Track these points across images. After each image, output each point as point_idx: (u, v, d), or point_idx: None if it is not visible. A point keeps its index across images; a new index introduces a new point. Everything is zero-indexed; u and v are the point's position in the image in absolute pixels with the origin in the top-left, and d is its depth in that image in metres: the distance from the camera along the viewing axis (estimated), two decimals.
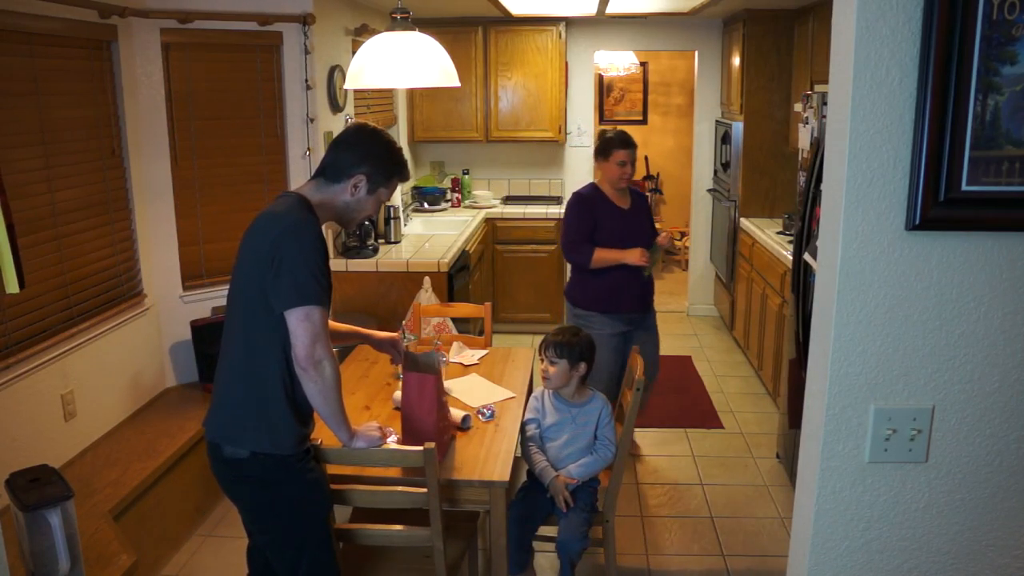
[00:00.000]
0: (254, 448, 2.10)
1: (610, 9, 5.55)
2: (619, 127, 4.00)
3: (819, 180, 3.42)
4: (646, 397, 3.92)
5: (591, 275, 3.72)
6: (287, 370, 2.10)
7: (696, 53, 6.43)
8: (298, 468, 2.14)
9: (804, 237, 3.53)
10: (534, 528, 2.80)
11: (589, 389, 2.87)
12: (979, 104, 1.23)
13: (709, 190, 6.44)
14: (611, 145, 3.70)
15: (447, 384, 3.01)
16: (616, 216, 3.75)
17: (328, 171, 2.20)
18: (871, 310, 1.31)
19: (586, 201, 3.78)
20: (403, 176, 2.27)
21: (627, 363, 3.69)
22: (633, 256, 3.66)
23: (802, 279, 3.61)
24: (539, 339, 2.87)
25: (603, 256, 3.67)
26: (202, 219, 3.93)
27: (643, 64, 8.93)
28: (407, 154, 6.11)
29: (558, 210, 6.05)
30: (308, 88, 4.05)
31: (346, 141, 2.21)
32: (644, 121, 9.13)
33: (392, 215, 4.95)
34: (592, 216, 3.73)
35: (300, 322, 2.03)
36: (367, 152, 2.18)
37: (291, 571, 2.21)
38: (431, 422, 2.46)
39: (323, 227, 2.18)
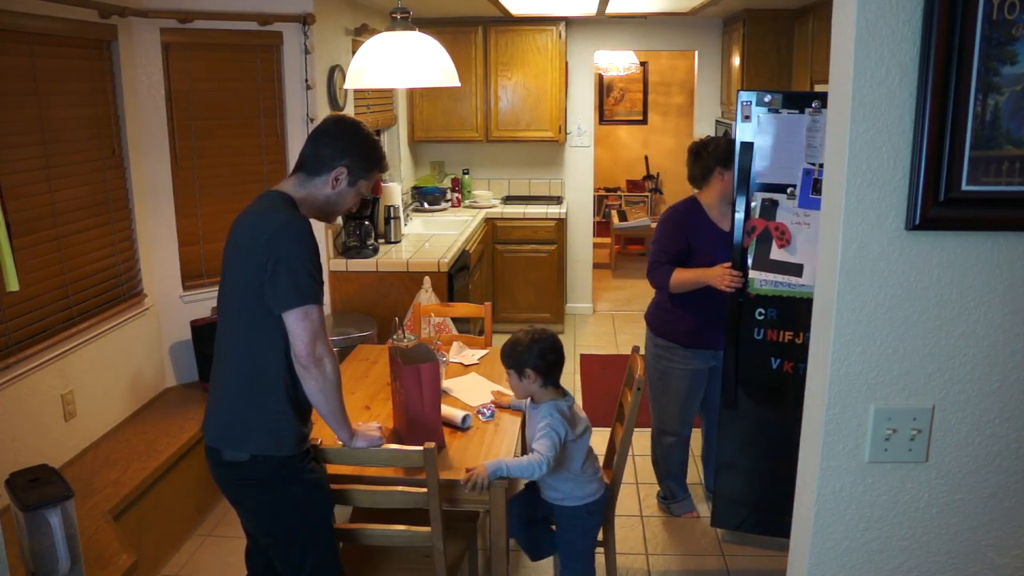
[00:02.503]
0: (256, 451, 2.10)
1: (610, 9, 5.55)
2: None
3: (750, 189, 2.97)
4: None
5: (678, 302, 3.25)
6: (288, 370, 2.10)
7: (696, 53, 6.44)
8: (299, 468, 2.15)
9: (741, 256, 3.03)
10: (543, 522, 2.73)
11: (552, 394, 2.53)
12: (979, 104, 1.23)
13: None
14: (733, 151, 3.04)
15: (446, 384, 3.01)
16: (714, 238, 3.21)
17: (308, 164, 2.17)
18: (871, 310, 1.31)
19: (680, 218, 3.26)
20: (382, 168, 2.26)
21: (700, 403, 3.39)
22: (716, 276, 3.04)
23: None
24: None
25: (683, 278, 3.16)
26: (202, 219, 3.93)
27: (643, 64, 8.93)
28: (407, 154, 6.13)
29: (558, 210, 6.06)
30: (308, 88, 4.05)
31: (326, 133, 2.19)
32: (644, 121, 9.14)
33: (392, 215, 4.95)
34: (685, 236, 3.22)
35: (299, 321, 2.03)
36: (348, 144, 2.17)
37: (295, 571, 2.21)
38: (432, 414, 2.47)
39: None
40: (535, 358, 2.47)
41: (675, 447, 3.53)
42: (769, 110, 2.92)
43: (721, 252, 3.13)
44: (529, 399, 2.60)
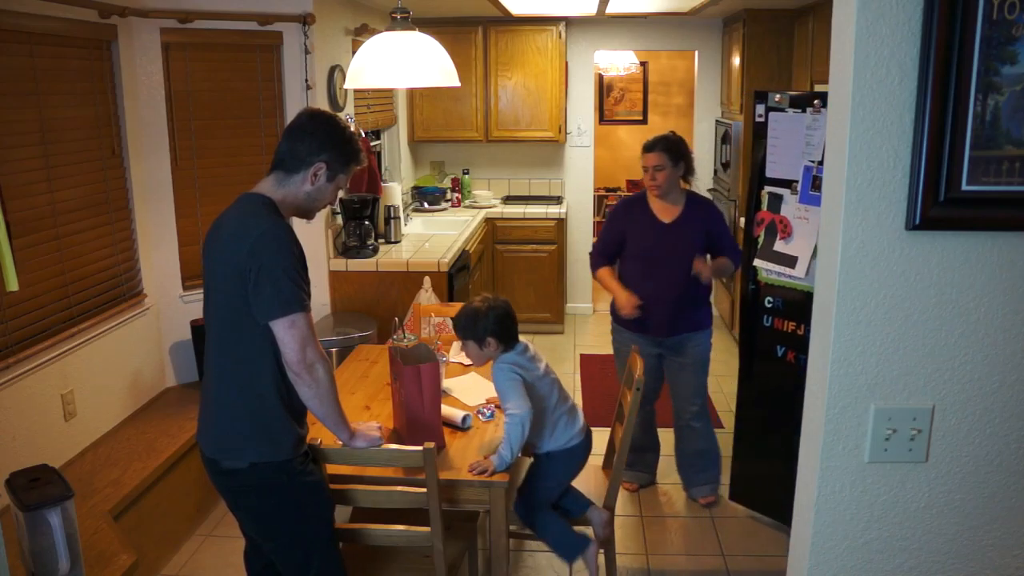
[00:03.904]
0: (255, 459, 2.09)
1: (610, 9, 5.55)
2: (664, 133, 3.50)
3: (761, 183, 3.23)
4: (688, 436, 3.59)
5: (622, 283, 3.44)
6: (280, 375, 2.08)
7: (696, 53, 6.44)
8: (298, 471, 2.14)
9: (749, 244, 3.33)
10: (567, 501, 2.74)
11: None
12: (979, 104, 1.23)
13: (709, 190, 6.44)
14: (643, 149, 3.43)
15: (446, 384, 3.01)
16: (648, 230, 3.38)
17: (286, 162, 2.13)
18: (871, 310, 1.31)
19: (620, 209, 3.51)
20: (359, 161, 2.22)
21: (659, 387, 3.56)
22: (621, 302, 3.32)
23: None
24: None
25: (603, 281, 3.44)
26: (202, 219, 3.93)
27: (643, 64, 8.92)
28: (407, 154, 6.13)
29: (558, 210, 6.06)
30: (308, 88, 4.05)
31: (302, 129, 2.14)
32: (644, 121, 9.12)
33: (392, 215, 4.95)
34: (621, 226, 3.45)
35: (287, 330, 2.01)
36: (325, 139, 2.12)
37: (301, 574, 2.21)
38: (432, 414, 2.47)
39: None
40: (493, 324, 2.49)
41: None
42: (777, 109, 3.11)
43: (651, 242, 3.38)
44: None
